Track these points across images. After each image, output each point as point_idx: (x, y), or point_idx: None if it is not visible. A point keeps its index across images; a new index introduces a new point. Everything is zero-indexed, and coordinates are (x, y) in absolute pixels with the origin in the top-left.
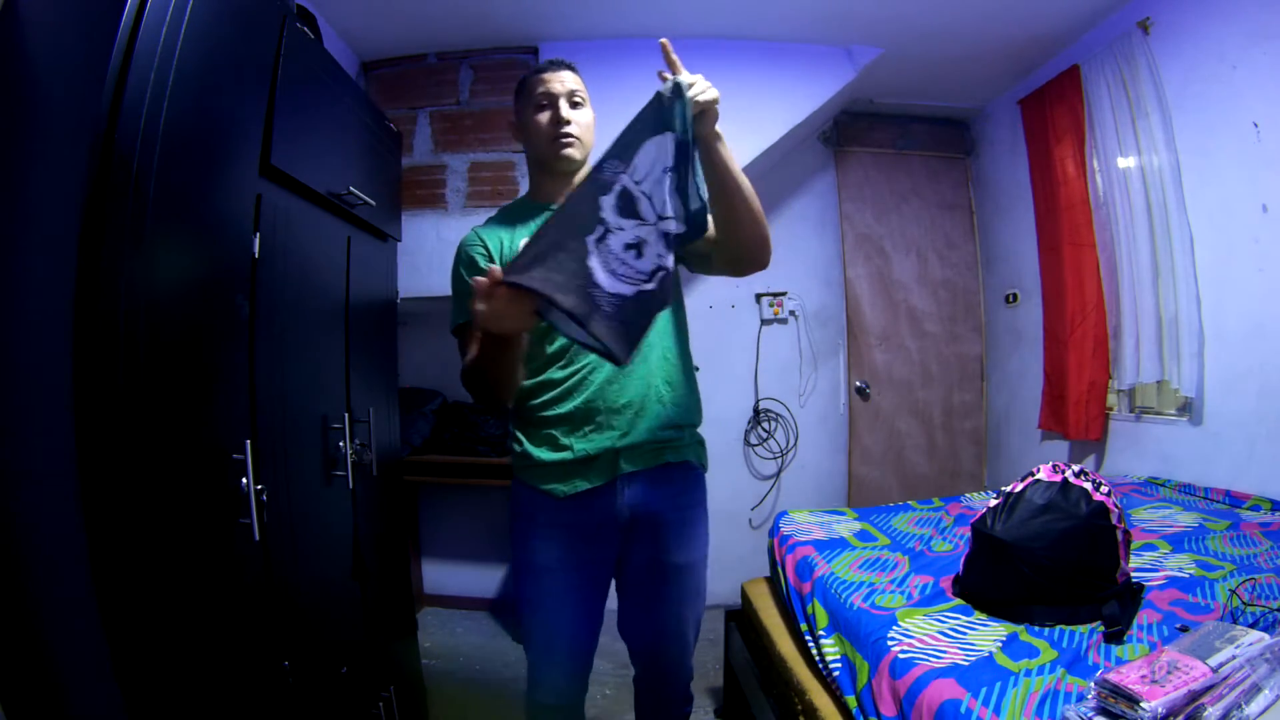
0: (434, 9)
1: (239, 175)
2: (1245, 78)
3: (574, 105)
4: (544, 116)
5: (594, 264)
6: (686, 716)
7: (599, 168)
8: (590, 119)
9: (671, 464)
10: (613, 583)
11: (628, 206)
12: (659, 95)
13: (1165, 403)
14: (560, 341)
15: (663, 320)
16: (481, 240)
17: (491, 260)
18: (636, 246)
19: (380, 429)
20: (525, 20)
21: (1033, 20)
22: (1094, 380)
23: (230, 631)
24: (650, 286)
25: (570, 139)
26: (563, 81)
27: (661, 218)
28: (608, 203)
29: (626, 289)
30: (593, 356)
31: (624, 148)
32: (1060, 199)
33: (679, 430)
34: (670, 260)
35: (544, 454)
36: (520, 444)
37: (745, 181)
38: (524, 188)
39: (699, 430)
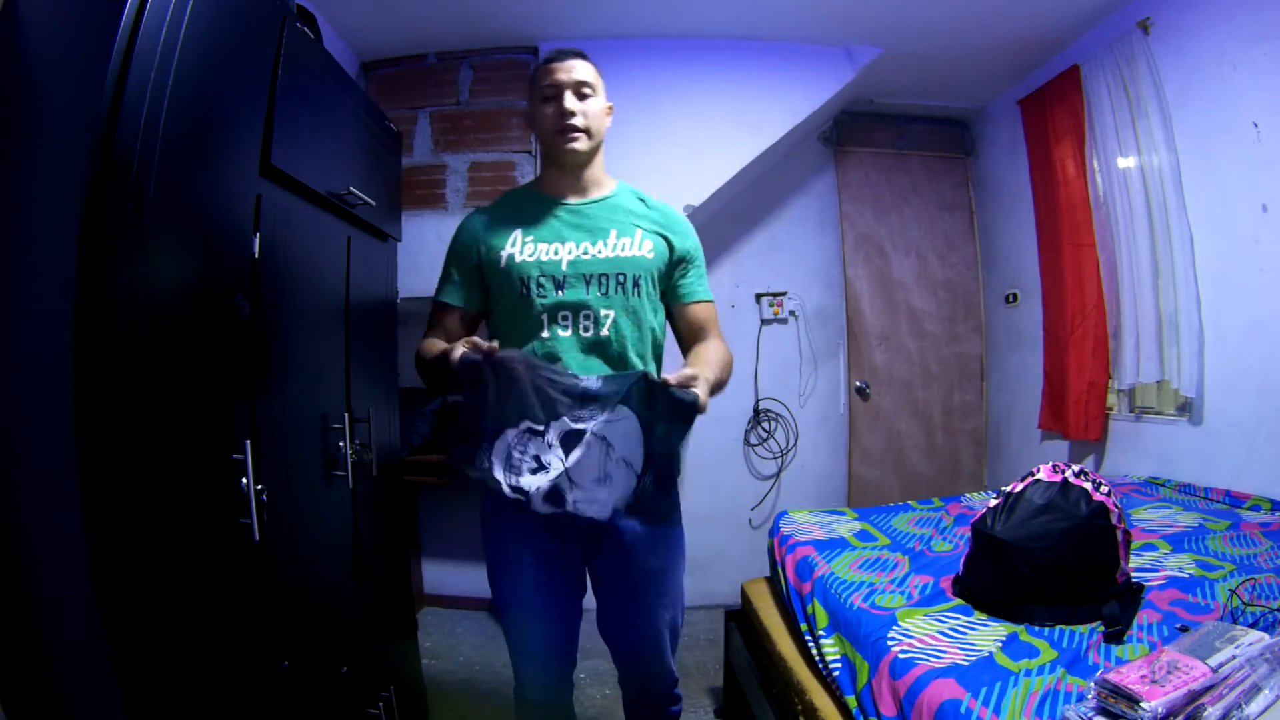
0: (434, 9)
1: (239, 175)
2: (1245, 78)
3: (581, 96)
4: (550, 108)
5: (508, 435)
6: (675, 717)
7: (589, 395)
8: (600, 108)
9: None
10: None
11: (570, 441)
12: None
13: (1165, 403)
14: (534, 346)
15: (641, 338)
16: (476, 236)
17: (478, 258)
18: (538, 461)
19: (380, 429)
20: (525, 20)
21: (1033, 20)
22: (1094, 380)
23: (230, 631)
24: (507, 494)
25: (575, 132)
26: (570, 71)
27: (569, 471)
28: (565, 418)
29: (501, 478)
30: (576, 368)
31: (612, 397)
32: (1060, 199)
33: None
34: (538, 501)
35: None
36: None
37: (722, 382)
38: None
39: None
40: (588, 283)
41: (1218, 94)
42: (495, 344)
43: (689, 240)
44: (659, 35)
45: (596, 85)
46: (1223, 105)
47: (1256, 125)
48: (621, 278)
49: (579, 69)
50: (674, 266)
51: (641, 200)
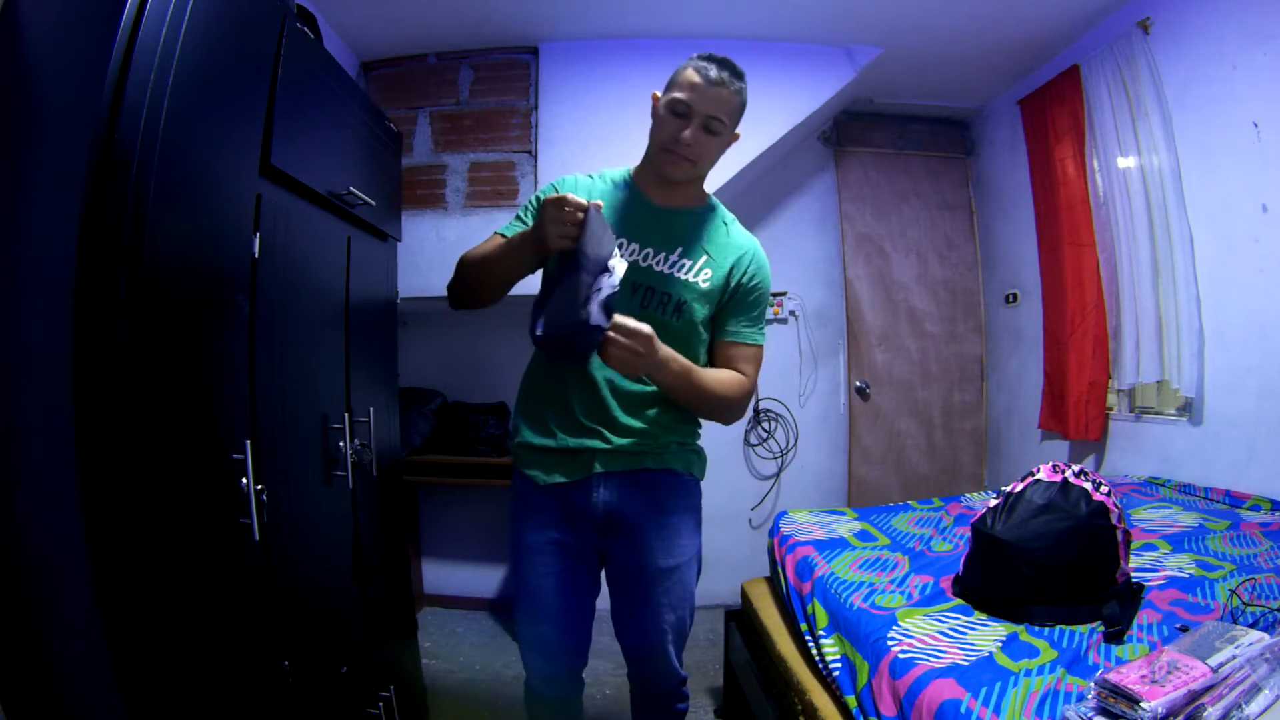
0: (434, 9)
1: (239, 175)
2: (1245, 78)
3: (707, 129)
4: (671, 124)
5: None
6: (682, 715)
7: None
8: (719, 145)
9: (651, 469)
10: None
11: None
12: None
13: (1165, 403)
14: None
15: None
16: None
17: None
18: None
19: (380, 429)
20: (525, 20)
21: (1033, 20)
22: (1094, 380)
23: (230, 632)
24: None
25: (680, 160)
26: (710, 101)
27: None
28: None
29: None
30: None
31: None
32: (1060, 199)
33: (665, 441)
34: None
35: (531, 436)
36: (517, 427)
37: (702, 390)
38: (524, 189)
39: (697, 442)
40: (634, 290)
41: (1218, 94)
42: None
43: (756, 278)
44: (659, 35)
45: (731, 118)
46: (1223, 105)
47: (1256, 125)
48: (666, 298)
49: (722, 101)
50: (729, 299)
51: (725, 225)
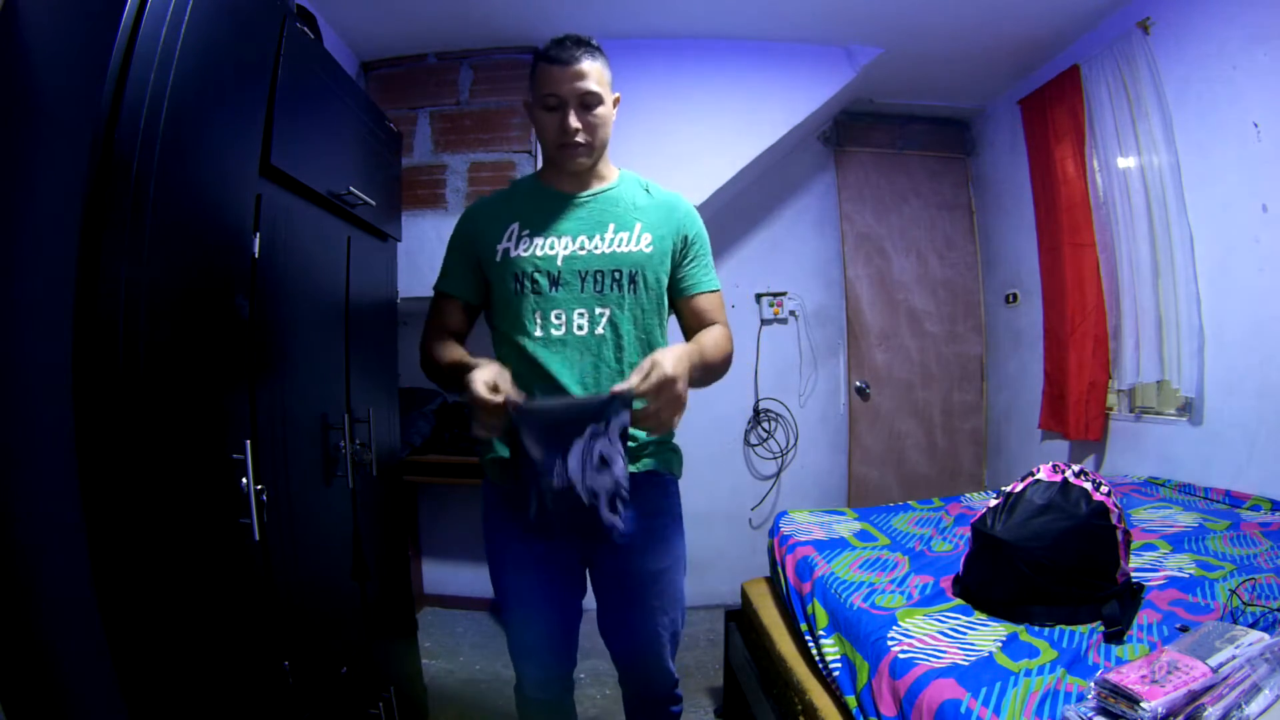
0: (434, 9)
1: (239, 175)
2: (1245, 78)
3: (586, 106)
4: (552, 120)
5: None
6: (676, 717)
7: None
8: (605, 114)
9: (634, 474)
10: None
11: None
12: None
13: (1165, 403)
14: (528, 344)
15: (639, 335)
16: (475, 227)
17: (475, 251)
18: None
19: (380, 429)
20: (525, 20)
21: (1033, 20)
22: (1094, 380)
23: (230, 631)
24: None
25: (578, 148)
26: (574, 80)
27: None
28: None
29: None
30: (566, 367)
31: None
32: (1060, 199)
33: (644, 443)
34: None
35: (506, 452)
36: (490, 442)
37: (711, 363)
38: None
39: (673, 440)
40: (583, 280)
41: (1218, 94)
42: (515, 397)
43: (692, 229)
44: (658, 35)
45: (604, 87)
46: (1223, 105)
47: (1256, 125)
48: (618, 274)
49: (585, 75)
50: (677, 258)
51: (645, 190)
